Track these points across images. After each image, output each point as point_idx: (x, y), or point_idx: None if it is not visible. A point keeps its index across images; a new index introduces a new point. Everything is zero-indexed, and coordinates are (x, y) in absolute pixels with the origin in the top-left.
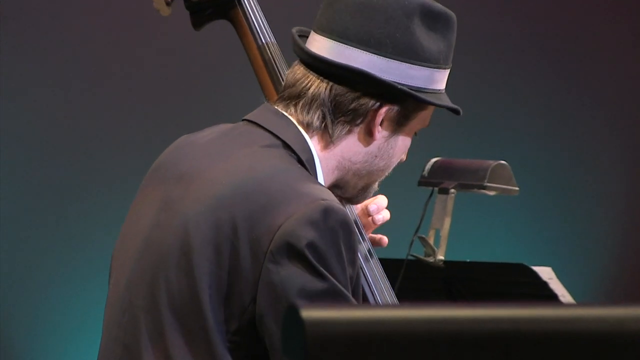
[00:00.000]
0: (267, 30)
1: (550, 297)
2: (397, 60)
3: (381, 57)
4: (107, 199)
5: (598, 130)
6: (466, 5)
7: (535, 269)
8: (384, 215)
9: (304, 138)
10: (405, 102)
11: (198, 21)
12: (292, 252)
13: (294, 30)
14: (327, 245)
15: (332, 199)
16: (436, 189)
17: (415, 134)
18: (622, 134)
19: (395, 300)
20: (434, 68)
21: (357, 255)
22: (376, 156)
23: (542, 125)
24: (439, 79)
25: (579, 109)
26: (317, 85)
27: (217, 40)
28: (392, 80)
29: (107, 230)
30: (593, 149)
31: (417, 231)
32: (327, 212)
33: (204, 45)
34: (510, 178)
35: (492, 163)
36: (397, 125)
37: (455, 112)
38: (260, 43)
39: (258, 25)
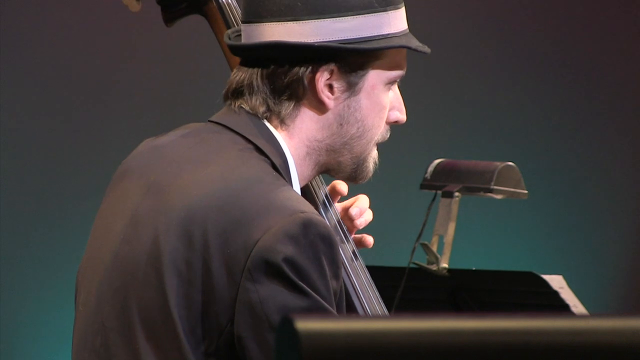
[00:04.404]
0: None
1: (561, 307)
2: (315, 19)
3: (297, 21)
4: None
5: (611, 131)
6: (476, 3)
7: (546, 277)
8: (366, 219)
9: (275, 137)
10: (343, 58)
11: (170, 16)
12: (270, 268)
13: (229, 31)
14: (308, 260)
15: (311, 210)
16: (439, 192)
17: (397, 84)
18: (638, 136)
19: (383, 305)
20: (367, 14)
21: (341, 269)
22: (341, 124)
23: (553, 124)
24: (381, 23)
25: (592, 108)
26: (249, 76)
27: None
28: (318, 40)
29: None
30: (606, 150)
31: (419, 237)
32: (306, 225)
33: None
34: (519, 181)
35: (500, 165)
36: (349, 84)
37: (411, 49)
38: None
39: (234, 21)
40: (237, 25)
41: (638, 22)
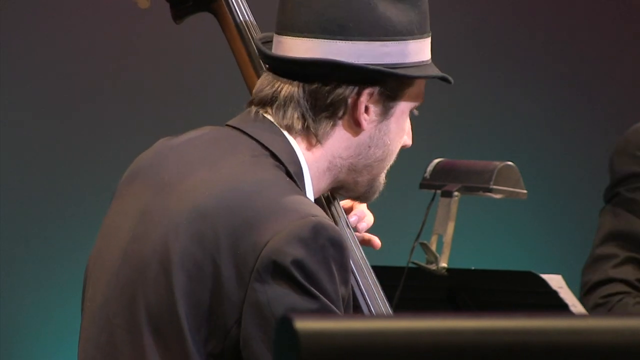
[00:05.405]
0: (252, 23)
1: (560, 306)
2: (365, 40)
3: (347, 41)
4: (102, 202)
5: (611, 131)
6: (474, 3)
7: (545, 277)
8: (367, 222)
9: (292, 147)
10: (386, 83)
11: (179, 14)
12: (278, 270)
13: (257, 37)
14: (317, 264)
15: (322, 215)
16: (439, 191)
17: (415, 112)
18: None
19: (389, 308)
20: (409, 40)
21: (350, 275)
22: (369, 146)
23: (552, 124)
24: (418, 50)
25: (591, 108)
26: (287, 88)
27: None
28: (364, 62)
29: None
30: (605, 150)
31: (418, 237)
32: (316, 229)
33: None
34: (518, 180)
35: (499, 164)
36: (385, 108)
37: (444, 80)
38: (244, 36)
39: (242, 18)
40: (246, 23)
41: (637, 22)
